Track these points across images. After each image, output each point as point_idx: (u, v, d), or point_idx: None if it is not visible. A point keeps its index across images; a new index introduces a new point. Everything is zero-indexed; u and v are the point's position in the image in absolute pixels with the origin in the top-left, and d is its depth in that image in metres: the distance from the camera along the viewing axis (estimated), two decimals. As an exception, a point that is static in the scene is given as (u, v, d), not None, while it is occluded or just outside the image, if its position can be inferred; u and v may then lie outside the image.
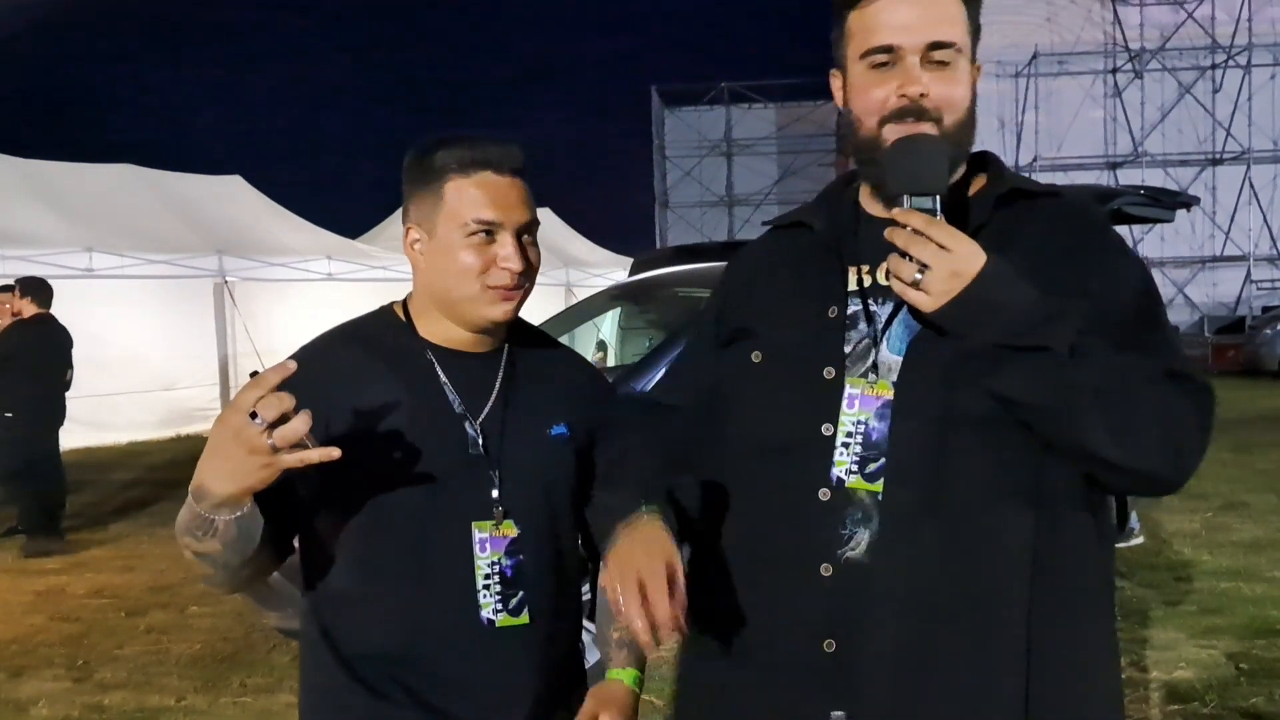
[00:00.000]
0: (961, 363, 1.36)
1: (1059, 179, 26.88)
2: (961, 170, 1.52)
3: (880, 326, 1.46)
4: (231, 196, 17.31)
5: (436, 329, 1.70)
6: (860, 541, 1.41)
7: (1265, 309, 26.19)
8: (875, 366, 1.45)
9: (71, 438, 8.41)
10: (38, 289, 8.13)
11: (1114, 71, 30.74)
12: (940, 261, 1.31)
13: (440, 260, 1.64)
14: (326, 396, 1.58)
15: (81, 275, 12.88)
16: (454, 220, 1.62)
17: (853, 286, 1.50)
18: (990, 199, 1.48)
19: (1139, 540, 6.87)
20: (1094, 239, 1.46)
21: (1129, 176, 28.77)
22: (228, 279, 15.12)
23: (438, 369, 1.68)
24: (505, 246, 1.62)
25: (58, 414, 8.12)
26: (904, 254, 1.33)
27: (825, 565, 1.42)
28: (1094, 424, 1.31)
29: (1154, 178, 27.83)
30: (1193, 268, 30.61)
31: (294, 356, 1.61)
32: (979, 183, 1.53)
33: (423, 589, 1.61)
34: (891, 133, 1.43)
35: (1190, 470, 1.41)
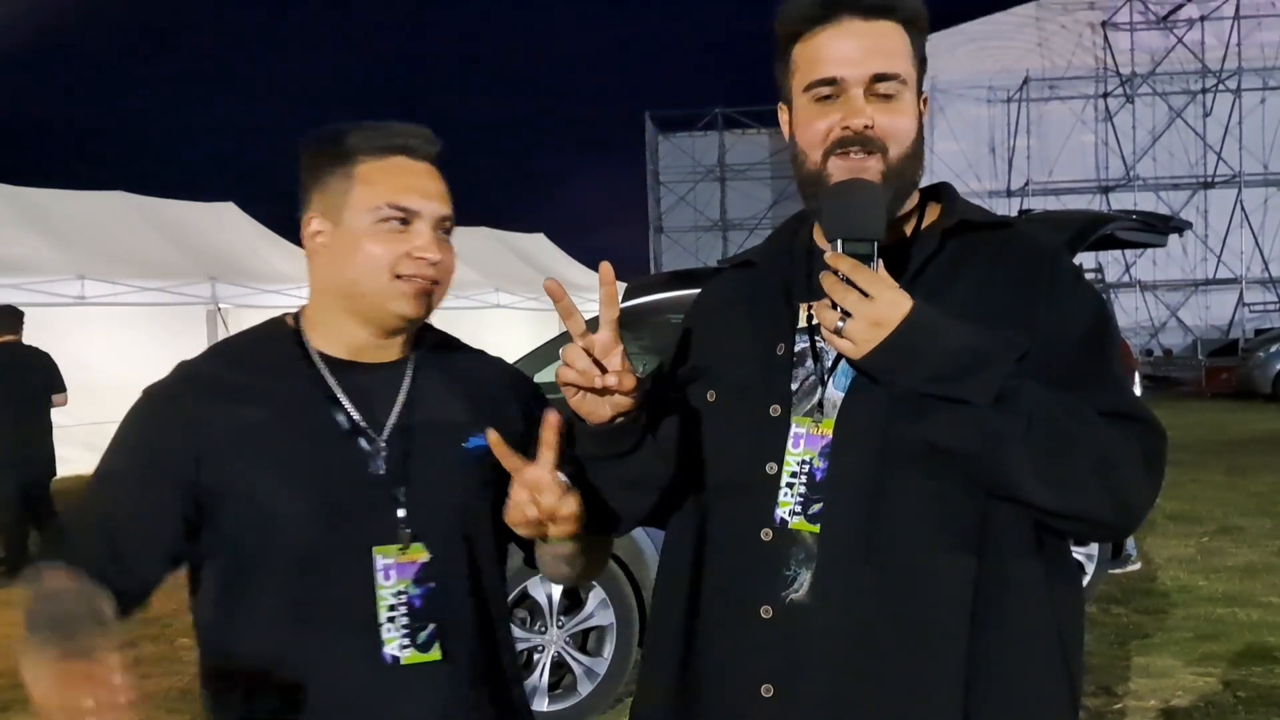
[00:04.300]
0: (895, 407, 1.35)
1: (1051, 203, 27.01)
2: (914, 202, 1.51)
3: (827, 364, 1.45)
4: (224, 223, 17.31)
5: (332, 337, 1.54)
6: (803, 583, 1.39)
7: (1258, 331, 26.22)
8: (821, 405, 1.43)
9: (63, 466, 8.36)
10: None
11: (1105, 96, 30.92)
12: (861, 309, 1.29)
13: (345, 251, 1.50)
14: (198, 423, 1.47)
15: (74, 303, 12.84)
16: (364, 206, 1.48)
17: (802, 324, 1.49)
18: (939, 231, 1.47)
19: (1135, 566, 6.87)
20: (1042, 271, 1.43)
21: (1121, 200, 28.90)
22: (221, 306, 15.09)
23: (329, 381, 1.52)
24: (421, 236, 1.49)
25: (27, 442, 8.02)
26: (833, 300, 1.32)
27: (765, 608, 1.41)
28: (1024, 472, 1.30)
29: (1146, 201, 27.95)
30: (1185, 291, 30.71)
31: (157, 387, 1.53)
32: (933, 214, 1.52)
33: (315, 627, 1.45)
34: (835, 166, 1.42)
35: (1140, 515, 1.39)
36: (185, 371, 1.56)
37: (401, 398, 1.55)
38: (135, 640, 6.12)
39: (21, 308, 8.37)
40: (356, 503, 1.48)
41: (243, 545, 1.47)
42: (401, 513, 1.49)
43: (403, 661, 1.46)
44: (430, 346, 1.63)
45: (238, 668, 1.49)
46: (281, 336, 1.57)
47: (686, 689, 1.49)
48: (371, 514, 1.49)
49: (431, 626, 1.49)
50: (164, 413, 1.52)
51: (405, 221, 1.49)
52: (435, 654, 1.48)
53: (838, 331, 1.31)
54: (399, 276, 1.48)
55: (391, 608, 1.47)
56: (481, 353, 1.73)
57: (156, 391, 1.54)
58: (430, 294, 1.51)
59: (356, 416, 1.52)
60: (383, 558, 1.47)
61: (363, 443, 1.51)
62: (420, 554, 1.49)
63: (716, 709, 1.46)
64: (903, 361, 1.30)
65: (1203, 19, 30.09)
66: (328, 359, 1.54)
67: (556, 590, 4.43)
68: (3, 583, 7.67)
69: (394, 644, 1.46)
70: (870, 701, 1.36)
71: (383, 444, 1.52)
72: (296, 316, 1.60)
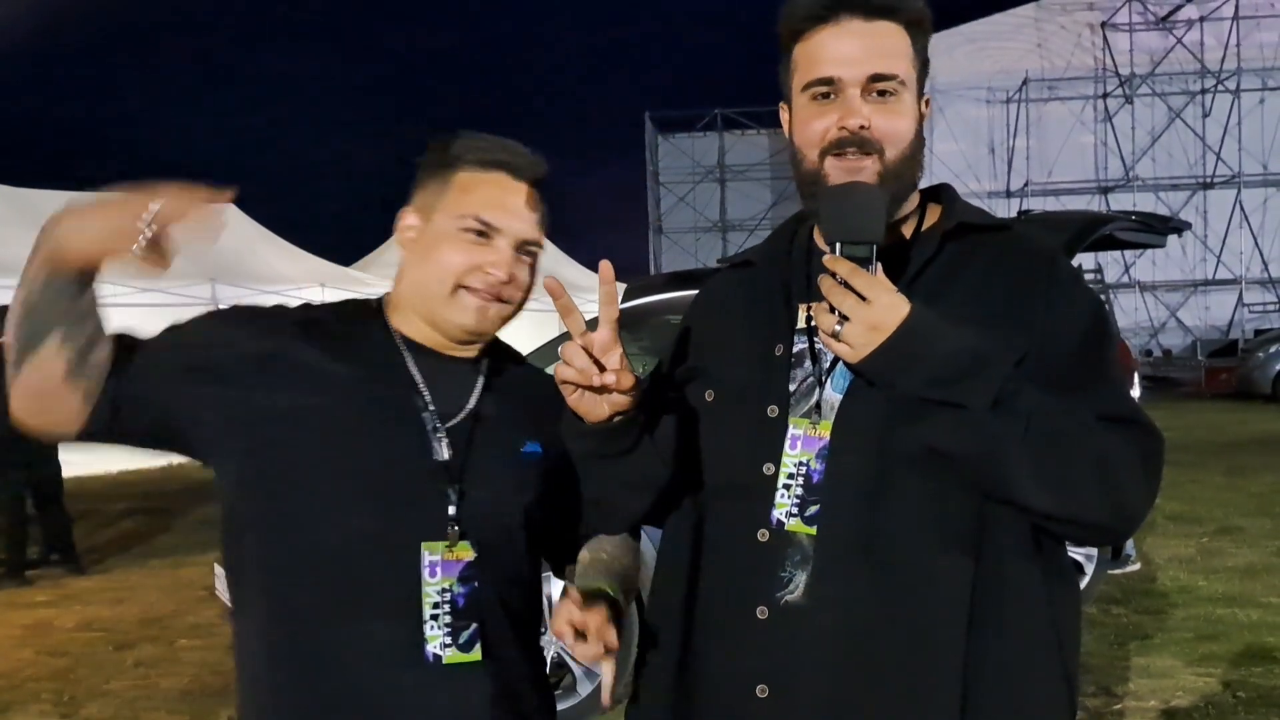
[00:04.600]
0: (893, 410, 1.35)
1: (1050, 204, 27.04)
2: (914, 204, 1.50)
3: (825, 365, 1.44)
4: (224, 224, 17.30)
5: (412, 324, 1.57)
6: (798, 585, 1.39)
7: (1257, 332, 26.21)
8: (819, 406, 1.43)
9: (63, 468, 8.40)
10: None
11: (1104, 97, 30.94)
12: (859, 313, 1.29)
13: (425, 250, 1.53)
14: (267, 366, 1.47)
15: (73, 304, 12.85)
16: (452, 211, 1.51)
17: (801, 324, 1.48)
18: (938, 234, 1.46)
19: (1134, 566, 6.87)
20: (1040, 275, 1.43)
21: (1120, 201, 28.93)
22: (220, 307, 15.09)
23: (409, 364, 1.54)
24: (497, 253, 1.50)
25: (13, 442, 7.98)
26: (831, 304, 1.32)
27: (761, 609, 1.40)
28: (1022, 476, 1.30)
29: (1145, 202, 27.99)
30: (1185, 291, 30.74)
31: (239, 309, 1.58)
32: (933, 216, 1.52)
33: (358, 618, 1.45)
34: (831, 166, 1.41)
35: (1137, 519, 1.39)
36: (276, 317, 1.57)
37: (475, 393, 1.57)
38: (135, 641, 6.12)
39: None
40: (411, 490, 1.48)
41: (290, 521, 1.47)
42: (452, 509, 1.49)
43: (444, 661, 1.46)
44: (501, 353, 1.66)
45: (274, 657, 1.48)
46: (364, 314, 1.60)
47: (682, 689, 1.49)
48: (423, 506, 1.48)
49: (474, 626, 1.48)
50: (245, 324, 1.54)
51: (485, 235, 1.51)
52: (476, 655, 1.48)
53: (835, 335, 1.31)
54: (463, 287, 1.50)
55: (436, 605, 1.46)
56: (541, 370, 1.75)
57: (251, 307, 1.59)
58: (493, 310, 1.53)
59: (428, 397, 1.53)
60: (430, 554, 1.47)
61: (430, 430, 1.51)
62: (466, 552, 1.48)
63: (712, 709, 1.45)
64: (900, 365, 1.30)
65: (1202, 20, 30.11)
66: (408, 342, 1.56)
67: (555, 590, 4.42)
68: (2, 584, 7.67)
69: (436, 642, 1.46)
70: (867, 703, 1.35)
71: (444, 434, 1.52)
72: (379, 301, 1.62)
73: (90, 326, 1.38)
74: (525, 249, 1.54)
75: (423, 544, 1.46)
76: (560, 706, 4.54)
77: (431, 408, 1.53)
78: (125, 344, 1.46)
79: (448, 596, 1.47)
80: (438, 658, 1.45)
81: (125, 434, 1.47)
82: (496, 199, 1.52)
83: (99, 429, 1.44)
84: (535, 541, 1.60)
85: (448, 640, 1.46)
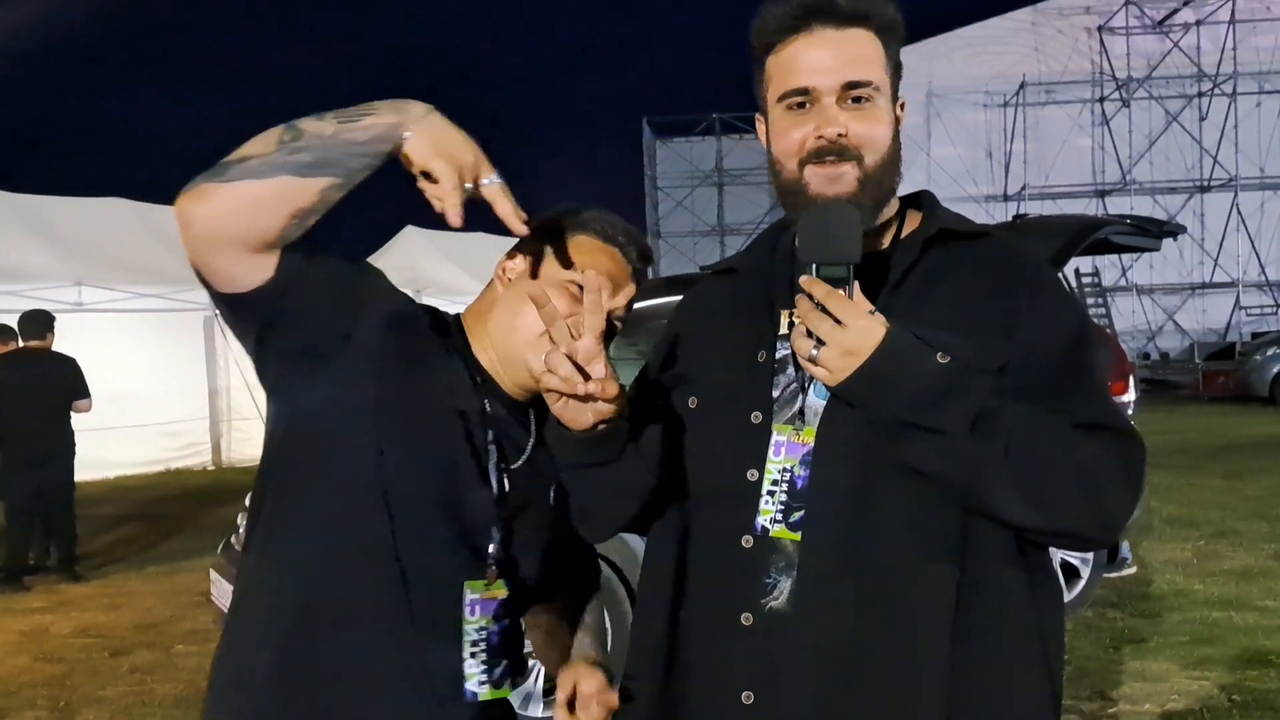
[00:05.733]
0: (875, 428, 1.35)
1: (1048, 207, 27.07)
2: (893, 210, 1.51)
3: (808, 372, 1.44)
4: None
5: (485, 355, 1.59)
6: (783, 591, 1.39)
7: (1255, 335, 26.23)
8: (802, 412, 1.43)
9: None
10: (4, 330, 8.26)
11: (1101, 100, 30.97)
12: (835, 338, 1.30)
13: (522, 294, 1.55)
14: (393, 343, 1.47)
15: (72, 309, 12.83)
16: (560, 267, 1.56)
17: (783, 330, 1.48)
18: (919, 240, 1.47)
19: (1131, 570, 6.86)
20: (1024, 282, 1.43)
21: (1117, 204, 28.93)
22: (219, 311, 15.08)
23: (484, 399, 1.56)
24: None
25: (46, 446, 8.06)
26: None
27: (746, 615, 1.40)
28: (1004, 492, 1.31)
29: (1142, 205, 28.01)
30: (1182, 294, 30.76)
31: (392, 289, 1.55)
32: (913, 222, 1.52)
33: (404, 654, 1.44)
34: (811, 175, 1.42)
35: (1119, 526, 1.39)
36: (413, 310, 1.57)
37: (531, 436, 1.58)
38: (131, 647, 6.12)
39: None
40: (464, 530, 1.49)
41: (317, 515, 1.46)
42: (493, 548, 1.51)
43: (481, 698, 1.48)
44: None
45: (285, 670, 1.47)
46: (449, 335, 1.59)
47: (668, 696, 1.49)
48: (470, 544, 1.50)
49: (505, 663, 1.51)
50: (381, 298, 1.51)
51: (579, 299, 1.53)
52: (506, 690, 1.51)
53: (812, 360, 1.32)
54: (544, 335, 1.52)
55: (474, 643, 1.48)
56: None
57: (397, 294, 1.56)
58: None
59: (494, 434, 1.54)
60: (470, 592, 1.48)
61: (491, 466, 1.53)
62: (500, 590, 1.51)
63: (698, 716, 1.45)
64: (877, 391, 1.31)
65: (1198, 23, 30.14)
66: (487, 379, 1.57)
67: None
68: (1, 589, 7.66)
69: (474, 680, 1.48)
70: (851, 709, 1.35)
71: (504, 474, 1.54)
72: (457, 320, 1.63)
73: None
74: (610, 320, 1.54)
75: (465, 583, 1.48)
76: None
77: (495, 445, 1.54)
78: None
79: (484, 634, 1.49)
80: (475, 695, 1.47)
81: (281, 306, 1.44)
82: (602, 268, 1.55)
83: (275, 289, 1.42)
84: (551, 578, 1.63)
85: (484, 678, 1.48)
